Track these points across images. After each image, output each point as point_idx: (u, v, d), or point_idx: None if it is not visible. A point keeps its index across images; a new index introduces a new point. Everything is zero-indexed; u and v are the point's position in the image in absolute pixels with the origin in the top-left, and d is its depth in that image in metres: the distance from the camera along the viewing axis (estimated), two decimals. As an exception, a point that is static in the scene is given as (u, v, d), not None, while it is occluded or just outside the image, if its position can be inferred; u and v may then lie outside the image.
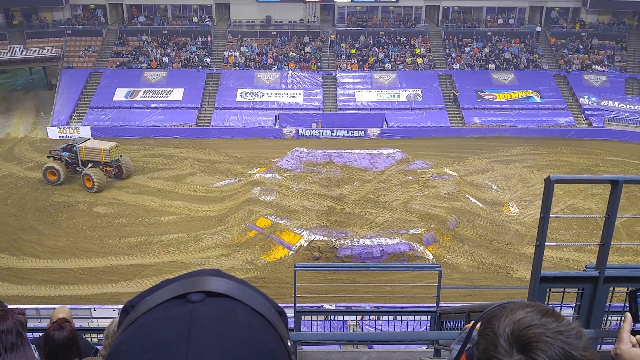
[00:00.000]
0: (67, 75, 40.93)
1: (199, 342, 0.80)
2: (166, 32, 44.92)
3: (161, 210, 26.34)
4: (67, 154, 29.32)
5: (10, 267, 21.77)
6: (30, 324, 3.77)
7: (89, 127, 36.87)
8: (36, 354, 4.25)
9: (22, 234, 24.28)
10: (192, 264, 21.69)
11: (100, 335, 8.19)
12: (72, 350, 4.23)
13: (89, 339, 7.33)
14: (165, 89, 39.99)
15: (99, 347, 5.26)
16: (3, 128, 38.46)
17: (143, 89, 39.87)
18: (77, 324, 4.89)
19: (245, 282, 0.93)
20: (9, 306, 4.20)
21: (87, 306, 17.35)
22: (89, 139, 32.35)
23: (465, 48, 44.64)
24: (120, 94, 39.42)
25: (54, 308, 8.98)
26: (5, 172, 31.10)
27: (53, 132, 36.72)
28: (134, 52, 43.19)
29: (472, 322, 1.49)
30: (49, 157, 29.76)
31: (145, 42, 44.16)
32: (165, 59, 42.74)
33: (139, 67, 42.03)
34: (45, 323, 9.95)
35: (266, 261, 21.89)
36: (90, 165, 28.93)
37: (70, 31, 44.31)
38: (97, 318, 14.68)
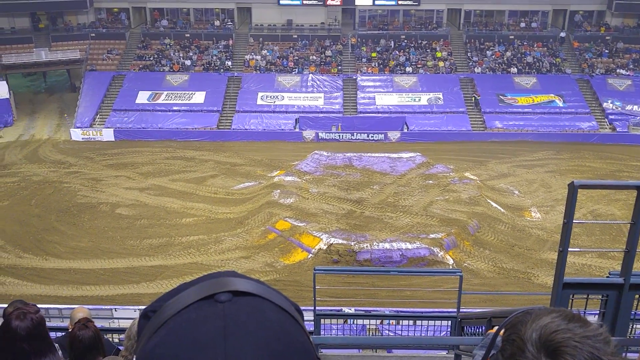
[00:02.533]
0: (91, 77, 41.50)
1: (235, 339, 0.82)
2: (188, 35, 45.34)
3: (182, 212, 26.55)
4: None
5: (34, 267, 22.13)
6: (53, 323, 3.82)
7: (112, 129, 37.33)
8: (60, 353, 4.30)
9: (45, 235, 24.66)
10: (212, 266, 21.83)
11: (122, 336, 8.28)
12: (97, 349, 4.28)
13: (110, 339, 7.41)
14: (187, 92, 40.34)
15: (120, 348, 5.31)
16: (28, 130, 39.13)
17: (165, 92, 40.26)
18: (98, 324, 4.94)
19: (263, 282, 0.95)
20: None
21: (109, 307, 17.55)
22: None
23: (487, 52, 44.30)
24: (142, 97, 39.86)
25: (76, 308, 9.08)
26: (30, 173, 31.62)
27: (76, 134, 37.25)
28: (156, 56, 43.67)
29: (496, 327, 1.47)
30: None
31: (168, 46, 44.61)
32: (188, 62, 43.13)
33: (162, 70, 42.47)
34: (67, 323, 10.11)
35: (285, 264, 21.94)
36: None
37: (94, 34, 44.96)
38: (118, 318, 14.81)
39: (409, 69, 42.82)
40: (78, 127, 37.67)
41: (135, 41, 45.25)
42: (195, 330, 0.83)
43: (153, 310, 0.92)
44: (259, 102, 39.97)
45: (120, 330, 8.66)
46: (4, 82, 40.05)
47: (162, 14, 46.98)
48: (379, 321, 14.46)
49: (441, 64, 43.22)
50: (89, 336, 4.23)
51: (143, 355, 0.86)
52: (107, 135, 37.06)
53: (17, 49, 42.89)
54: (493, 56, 43.92)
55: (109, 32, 45.41)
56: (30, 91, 47.46)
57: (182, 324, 0.85)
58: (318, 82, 41.53)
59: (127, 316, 14.85)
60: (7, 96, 39.70)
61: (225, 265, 21.88)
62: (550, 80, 41.46)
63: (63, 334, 5.69)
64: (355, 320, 12.78)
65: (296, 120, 38.51)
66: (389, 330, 14.48)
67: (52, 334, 4.71)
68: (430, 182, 28.31)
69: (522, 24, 46.28)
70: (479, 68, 42.87)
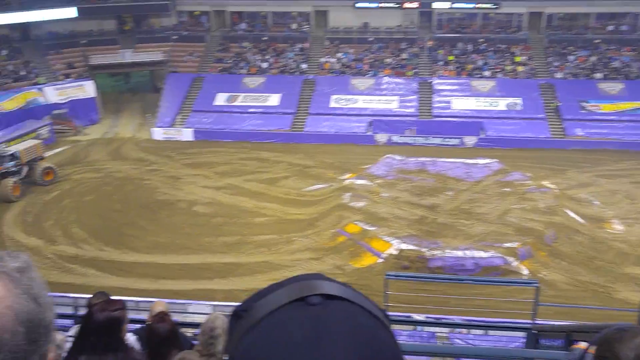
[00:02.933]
0: (172, 79, 43.13)
1: (327, 342, 0.82)
2: (266, 38, 46.24)
3: (255, 211, 27.05)
4: (12, 163, 28.84)
5: (114, 260, 23.17)
6: (130, 315, 3.95)
7: (191, 129, 38.61)
8: (137, 345, 4.45)
9: (125, 229, 25.78)
10: (282, 266, 22.09)
11: (195, 330, 8.50)
12: (172, 342, 4.39)
13: (185, 333, 7.60)
14: (263, 95, 41.12)
15: (194, 342, 5.43)
16: (112, 128, 41.12)
17: (242, 94, 41.22)
18: (173, 318, 5.11)
19: (350, 286, 0.95)
20: (112, 297, 4.43)
21: (183, 301, 18.07)
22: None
23: (569, 56, 42.49)
24: (220, 99, 41.00)
25: (153, 301, 9.43)
26: (113, 170, 33.20)
27: (158, 133, 38.79)
28: (234, 58, 44.79)
29: (583, 343, 1.40)
30: None
31: (246, 49, 45.66)
32: (264, 65, 43.98)
33: (239, 72, 43.52)
34: (143, 315, 10.48)
35: (355, 267, 21.87)
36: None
37: (176, 37, 46.71)
38: (191, 313, 15.23)
39: (486, 73, 41.74)
40: (159, 127, 39.21)
41: (214, 44, 46.63)
42: (288, 332, 0.85)
43: (244, 310, 0.93)
44: (333, 104, 40.16)
45: (194, 325, 8.89)
46: (92, 81, 42.34)
47: (241, 17, 48.17)
48: (449, 329, 14.14)
49: (520, 68, 41.86)
50: (166, 329, 4.36)
51: (236, 354, 0.87)
52: (187, 135, 38.37)
53: (104, 50, 45.21)
54: (576, 61, 42.07)
55: (190, 35, 47.06)
56: (115, 91, 49.87)
57: (275, 326, 0.86)
58: (393, 85, 41.24)
59: (200, 311, 15.24)
60: (94, 95, 41.93)
61: (295, 265, 22.08)
62: (638, 86, 39.23)
63: (140, 326, 5.88)
64: (423, 327, 12.56)
65: (369, 123, 38.39)
66: (459, 339, 14.13)
67: (130, 326, 4.88)
68: (507, 189, 27.43)
69: (610, 27, 44.04)
70: (560, 73, 41.19)
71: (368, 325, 0.88)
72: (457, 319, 14.57)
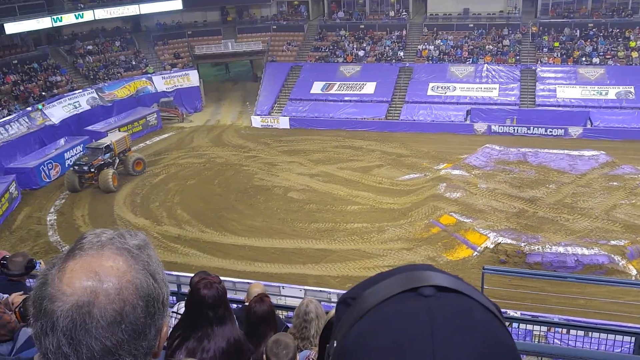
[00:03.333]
0: (271, 68, 44.11)
1: (442, 335, 0.80)
2: (363, 26, 46.11)
3: (348, 199, 27.22)
4: (108, 155, 29.67)
5: (214, 242, 24.24)
6: (228, 295, 4.16)
7: (288, 117, 39.40)
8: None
9: (225, 212, 26.85)
10: (374, 255, 22.13)
11: (288, 313, 8.72)
12: (270, 323, 4.56)
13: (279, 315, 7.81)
14: (359, 83, 41.11)
15: (288, 325, 5.58)
16: (214, 115, 42.81)
17: (338, 83, 41.44)
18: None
19: (462, 279, 0.92)
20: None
21: (277, 284, 18.58)
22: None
23: (694, 39, 38.97)
24: (317, 87, 41.45)
25: (249, 282, 9.75)
26: (214, 155, 34.61)
27: (256, 121, 39.91)
28: (331, 47, 45.06)
29: None
30: (92, 170, 28.76)
31: (343, 37, 45.79)
32: (361, 53, 43.90)
33: (336, 61, 43.74)
34: (239, 295, 10.89)
35: (448, 259, 21.48)
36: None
37: (275, 26, 47.71)
38: (285, 296, 15.63)
39: (595, 60, 39.21)
40: (258, 115, 40.32)
41: (312, 33, 47.13)
42: (402, 322, 0.82)
43: (352, 297, 0.92)
44: (430, 92, 39.42)
45: (287, 308, 9.11)
46: (195, 71, 44.23)
47: (339, 5, 48.32)
48: (546, 328, 13.58)
49: (635, 54, 38.93)
50: (264, 310, 4.52)
51: (347, 342, 0.86)
52: (283, 123, 39.20)
53: (208, 40, 47.09)
54: (701, 45, 38.52)
55: (289, 25, 47.87)
56: (217, 80, 51.87)
57: (388, 315, 0.84)
58: (493, 73, 39.80)
59: (293, 294, 15.62)
60: (198, 84, 43.80)
61: (387, 255, 22.04)
62: None
63: (236, 306, 6.11)
64: (520, 324, 12.14)
65: (467, 112, 37.34)
66: (557, 339, 13.54)
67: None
68: (615, 183, 25.76)
69: None
70: (683, 58, 37.89)
71: (485, 320, 0.85)
72: (556, 317, 13.96)
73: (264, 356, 3.94)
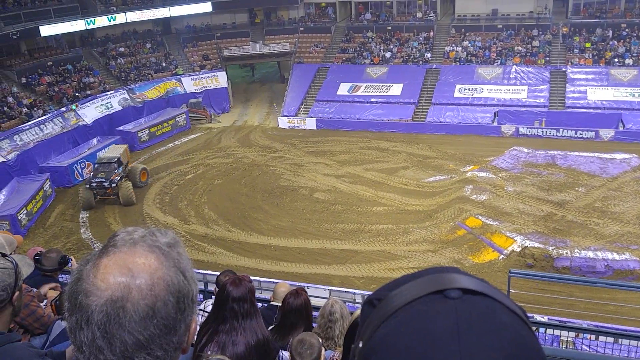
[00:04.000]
0: (298, 69, 44.30)
1: (469, 338, 0.80)
2: (390, 28, 46.00)
3: (373, 200, 27.20)
4: (121, 168, 28.43)
5: (240, 241, 24.47)
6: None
7: (314, 118, 39.52)
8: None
9: (251, 212, 27.08)
10: (399, 256, 22.09)
11: (314, 313, 8.80)
12: (302, 316, 4.71)
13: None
14: (385, 84, 41.03)
15: (313, 325, 5.66)
16: (242, 116, 43.18)
17: (365, 84, 41.43)
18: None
19: (488, 282, 0.92)
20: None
21: (302, 284, 18.65)
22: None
23: None
24: (343, 89, 41.50)
25: (274, 282, 9.86)
26: (241, 156, 34.91)
27: (283, 122, 40.14)
28: (358, 48, 45.06)
29: None
30: (112, 185, 27.38)
31: (370, 39, 45.75)
32: (387, 55, 43.81)
33: (362, 62, 43.73)
34: (265, 294, 11.00)
35: (474, 262, 21.32)
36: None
37: (302, 28, 47.91)
38: (310, 296, 15.72)
39: (628, 61, 38.44)
40: (285, 116, 40.54)
41: (339, 34, 47.19)
42: (428, 324, 0.82)
43: (378, 299, 0.92)
44: (457, 94, 39.13)
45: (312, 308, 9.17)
46: (224, 72, 44.69)
47: (366, 7, 48.29)
48: (575, 334, 13.40)
49: (670, 55, 38.07)
50: (299, 303, 4.69)
51: (373, 343, 0.86)
52: (310, 124, 39.34)
53: (236, 42, 47.54)
54: None
55: (316, 26, 48.04)
56: (245, 81, 52.29)
57: (414, 316, 0.85)
58: (522, 74, 39.32)
59: (318, 295, 15.69)
60: (226, 85, 44.24)
61: (412, 257, 21.98)
62: None
63: (262, 305, 6.21)
64: (547, 329, 12.01)
65: (495, 113, 36.97)
66: (585, 345, 13.36)
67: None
68: (647, 187, 25.24)
69: None
70: None
71: (511, 323, 0.84)
72: (584, 323, 13.78)
73: (289, 354, 4.04)
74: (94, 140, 35.45)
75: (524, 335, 0.84)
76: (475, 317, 0.83)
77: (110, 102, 38.97)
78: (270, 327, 4.79)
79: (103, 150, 32.04)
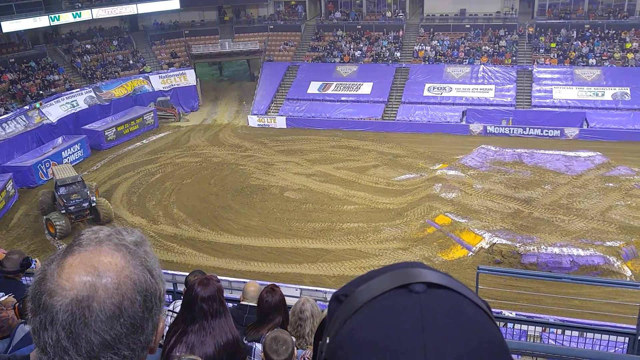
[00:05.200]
0: (268, 68, 44.13)
1: (433, 331, 0.81)
2: (360, 27, 46.16)
3: (344, 199, 27.27)
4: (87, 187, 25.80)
5: (210, 241, 24.26)
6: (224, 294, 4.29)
7: (284, 117, 39.43)
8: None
9: (221, 212, 26.87)
10: (370, 254, 22.19)
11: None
12: (279, 312, 4.69)
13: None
14: (355, 83, 41.17)
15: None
16: (211, 115, 42.81)
17: (335, 83, 41.49)
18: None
19: (450, 275, 0.93)
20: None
21: (273, 283, 18.64)
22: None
23: (690, 41, 39.15)
24: (313, 87, 41.50)
25: (245, 282, 9.78)
26: (211, 155, 34.61)
27: (253, 121, 39.94)
28: (328, 47, 45.11)
29: None
30: (93, 204, 25.27)
31: (340, 37, 45.83)
32: (357, 54, 43.95)
33: (333, 61, 43.79)
34: (236, 294, 10.91)
35: (444, 259, 21.56)
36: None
37: (272, 26, 47.73)
38: (281, 295, 15.70)
39: (592, 61, 39.37)
40: (255, 114, 40.35)
41: (309, 33, 47.17)
42: (393, 318, 0.83)
43: (345, 294, 0.93)
44: (426, 93, 39.50)
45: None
46: (192, 70, 44.23)
47: (336, 6, 48.36)
48: (542, 329, 13.64)
49: (630, 56, 39.10)
50: (276, 300, 4.70)
51: (339, 338, 0.87)
52: (280, 122, 39.23)
53: (205, 40, 47.10)
54: (697, 47, 38.71)
55: (286, 25, 47.90)
56: (214, 79, 51.87)
57: (379, 311, 0.86)
58: (489, 74, 39.91)
59: (289, 294, 15.62)
60: (195, 83, 43.80)
61: (383, 254, 22.11)
62: None
63: (232, 305, 6.15)
64: (514, 324, 12.19)
65: (463, 112, 37.44)
66: (552, 340, 13.60)
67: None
68: (611, 184, 25.88)
69: None
70: (678, 60, 38.06)
71: (475, 316, 0.86)
72: (551, 318, 14.03)
73: (262, 354, 4.00)
74: (59, 139, 34.69)
75: (487, 328, 0.86)
76: (439, 310, 0.84)
77: (75, 100, 38.18)
78: (250, 324, 4.79)
79: (51, 175, 28.86)
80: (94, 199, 25.53)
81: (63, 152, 32.86)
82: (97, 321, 1.06)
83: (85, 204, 25.01)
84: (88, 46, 44.55)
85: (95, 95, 39.38)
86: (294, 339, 4.11)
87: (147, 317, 1.13)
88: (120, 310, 1.08)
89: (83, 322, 1.05)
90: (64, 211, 24.86)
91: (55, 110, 36.41)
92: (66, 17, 41.96)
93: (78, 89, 39.22)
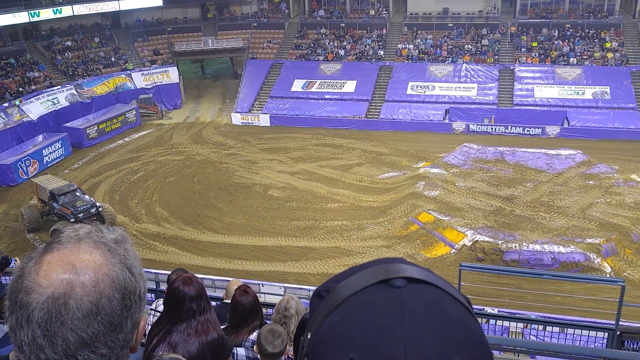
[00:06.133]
0: (251, 65, 43.98)
1: (413, 325, 0.82)
2: (343, 25, 46.20)
3: (328, 197, 27.29)
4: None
5: (193, 239, 24.13)
6: (207, 293, 4.22)
7: (268, 115, 39.33)
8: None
9: (204, 210, 26.73)
10: (354, 252, 22.24)
11: (268, 310, 8.74)
12: (255, 313, 4.63)
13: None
14: (339, 81, 41.20)
15: (267, 321, 5.61)
16: (194, 112, 42.56)
17: (319, 81, 41.48)
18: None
19: (432, 271, 0.94)
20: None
21: (256, 282, 18.58)
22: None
23: (668, 41, 39.78)
24: (297, 85, 41.45)
25: (228, 280, 9.76)
26: (194, 153, 34.42)
27: (236, 119, 39.77)
28: (312, 45, 45.07)
29: None
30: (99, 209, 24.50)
31: (324, 35, 45.82)
32: (341, 52, 43.98)
33: (316, 59, 43.77)
34: (219, 293, 10.88)
35: (427, 257, 21.68)
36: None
37: (256, 24, 47.59)
38: (264, 293, 15.64)
39: (572, 60, 39.85)
40: (238, 112, 40.18)
41: (293, 31, 47.10)
42: (373, 313, 0.84)
43: (326, 290, 0.94)
44: (409, 91, 39.66)
45: (266, 305, 9.13)
46: (175, 68, 43.93)
47: (319, 4, 48.35)
48: (523, 325, 13.78)
49: (610, 55, 39.64)
50: (249, 301, 4.60)
51: (320, 333, 0.88)
52: (264, 120, 39.13)
53: (187, 37, 46.83)
54: (675, 47, 39.34)
55: (269, 22, 47.79)
56: (197, 77, 51.55)
57: (360, 306, 0.86)
58: (472, 72, 40.19)
59: (273, 292, 15.64)
60: (178, 81, 43.50)
61: (366, 252, 22.17)
62: None
63: (215, 303, 6.13)
64: (497, 321, 12.30)
65: (446, 111, 37.67)
66: (534, 336, 13.76)
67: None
68: (591, 182, 26.22)
69: None
70: (657, 60, 38.65)
71: (455, 311, 0.87)
72: (532, 314, 14.19)
73: (255, 346, 4.01)
74: (40, 137, 34.22)
75: (467, 323, 0.87)
76: (419, 305, 0.85)
77: (56, 97, 37.70)
78: (224, 326, 4.70)
79: (34, 192, 26.49)
80: (99, 205, 24.86)
81: (44, 150, 32.43)
82: (73, 319, 1.05)
83: (93, 210, 24.18)
84: (69, 43, 44.03)
85: (76, 93, 38.93)
86: (287, 334, 4.14)
87: (125, 315, 1.12)
88: (97, 308, 1.08)
89: (59, 319, 1.05)
90: (72, 220, 23.58)
91: (35, 108, 35.94)
92: (46, 13, 41.39)
93: (59, 86, 38.74)
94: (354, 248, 22.59)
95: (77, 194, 24.84)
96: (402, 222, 24.18)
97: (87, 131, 35.90)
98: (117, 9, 44.86)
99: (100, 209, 24.55)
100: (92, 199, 25.21)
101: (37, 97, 36.82)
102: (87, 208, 24.10)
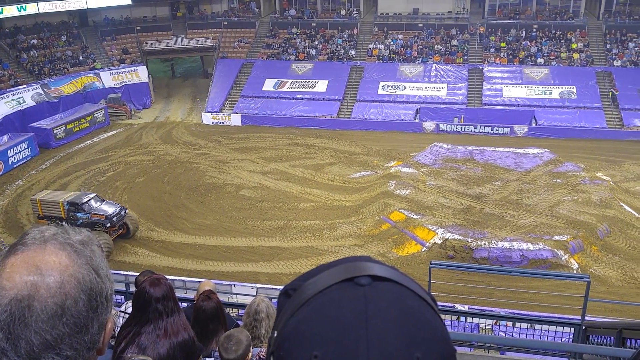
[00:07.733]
0: (222, 65, 43.68)
1: (376, 322, 0.83)
2: (315, 24, 46.22)
3: (300, 197, 27.28)
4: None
5: (163, 240, 23.86)
6: (177, 294, 4.10)
7: (239, 114, 39.11)
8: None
9: (175, 211, 26.45)
10: (326, 251, 22.26)
11: (240, 311, 8.69)
12: (218, 320, 4.54)
13: (230, 314, 7.78)
14: (311, 81, 41.20)
15: (239, 322, 5.56)
16: (164, 112, 42.09)
17: (290, 80, 41.42)
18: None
19: (398, 269, 0.96)
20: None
21: (228, 282, 18.48)
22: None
23: (629, 43, 40.80)
24: (269, 84, 41.31)
25: (200, 281, 9.70)
26: (164, 153, 34.02)
27: (207, 118, 39.46)
28: (283, 44, 44.98)
29: None
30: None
31: (295, 35, 45.77)
32: (312, 51, 44.00)
33: (288, 58, 43.69)
34: (190, 294, 10.79)
35: (398, 255, 21.85)
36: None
37: (226, 23, 47.27)
38: (236, 294, 15.56)
39: (540, 61, 40.61)
40: (209, 112, 39.88)
41: (264, 30, 46.93)
42: (338, 310, 0.86)
43: (293, 289, 0.95)
44: (380, 91, 39.90)
45: (238, 306, 9.10)
46: (144, 67, 43.36)
47: (290, 3, 48.28)
48: (493, 321, 13.98)
49: (576, 56, 40.52)
50: (211, 307, 4.50)
51: (286, 331, 0.89)
52: (235, 120, 38.91)
53: (157, 36, 46.26)
54: (636, 48, 40.37)
55: (240, 21, 47.52)
56: (166, 76, 50.97)
57: (325, 304, 0.88)
58: (442, 72, 40.62)
59: (245, 292, 15.57)
60: (147, 80, 42.95)
61: (339, 251, 22.22)
62: None
63: (186, 305, 6.07)
64: (467, 318, 12.45)
65: (417, 110, 37.99)
66: (503, 332, 13.97)
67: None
68: (558, 180, 26.75)
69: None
70: (619, 61, 39.63)
71: (417, 307, 0.89)
72: (501, 311, 14.40)
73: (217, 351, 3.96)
74: (5, 138, 33.38)
75: (429, 320, 0.88)
76: (383, 302, 0.86)
77: (22, 97, 36.86)
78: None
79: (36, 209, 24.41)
80: (125, 209, 24.01)
81: (9, 151, 31.65)
82: (37, 321, 1.04)
83: (123, 212, 23.41)
84: (34, 41, 43.06)
85: (43, 92, 38.13)
86: (250, 339, 4.06)
87: (92, 316, 1.11)
88: (63, 309, 1.06)
89: (22, 322, 1.03)
90: (109, 225, 22.71)
91: (0, 108, 35.10)
92: (10, 11, 40.44)
93: (24, 85, 37.90)
94: (326, 247, 22.63)
95: (96, 200, 23.77)
96: (373, 221, 24.31)
97: (55, 131, 35.19)
98: (85, 7, 44.04)
99: (127, 214, 23.86)
100: (113, 202, 24.51)
101: (2, 96, 35.94)
102: (118, 211, 23.25)
